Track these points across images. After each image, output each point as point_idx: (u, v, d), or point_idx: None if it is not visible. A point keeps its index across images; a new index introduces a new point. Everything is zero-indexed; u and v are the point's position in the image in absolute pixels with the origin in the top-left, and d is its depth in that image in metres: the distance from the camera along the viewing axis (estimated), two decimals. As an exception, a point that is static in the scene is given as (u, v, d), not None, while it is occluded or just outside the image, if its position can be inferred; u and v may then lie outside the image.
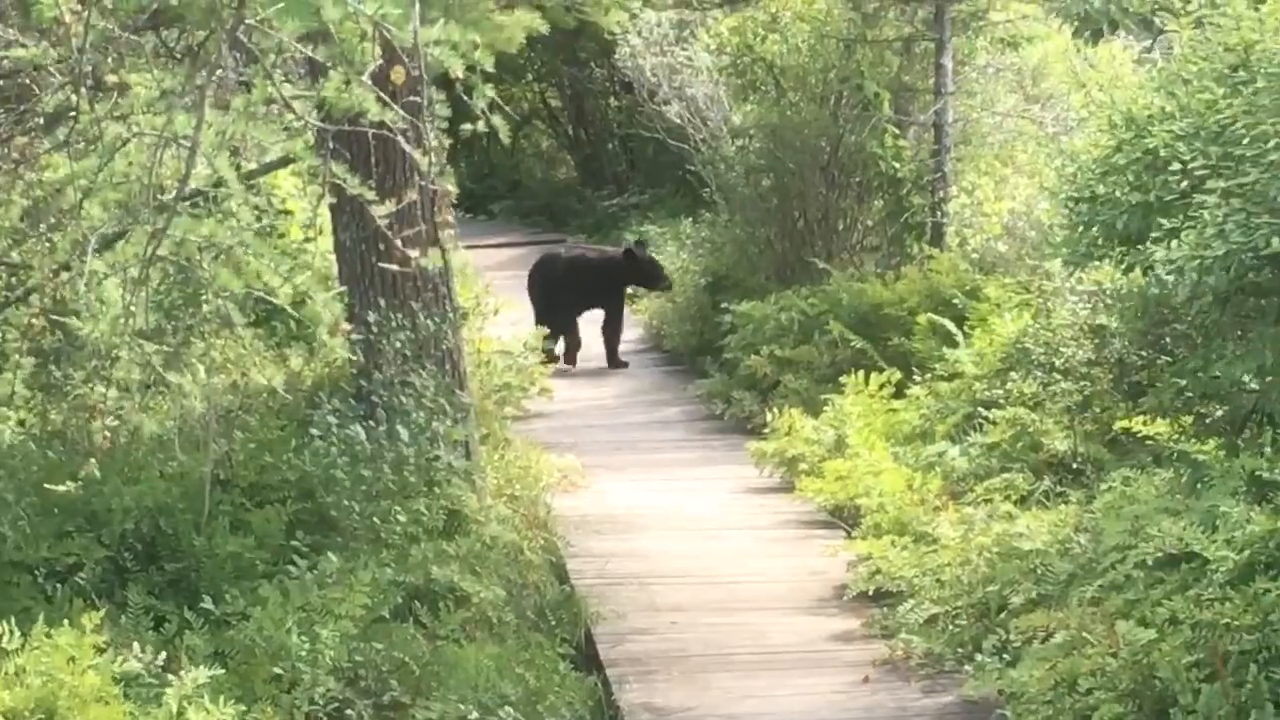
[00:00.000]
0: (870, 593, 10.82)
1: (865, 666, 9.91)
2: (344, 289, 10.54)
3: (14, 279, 8.94)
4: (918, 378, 13.80)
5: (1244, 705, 7.33)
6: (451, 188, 6.03)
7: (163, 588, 9.18)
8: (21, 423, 10.42)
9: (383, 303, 10.83)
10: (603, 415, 16.11)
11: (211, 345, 9.13)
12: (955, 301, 14.62)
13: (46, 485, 7.86)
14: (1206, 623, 7.82)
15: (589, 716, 9.36)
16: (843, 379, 14.06)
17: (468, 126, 5.89)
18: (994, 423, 12.16)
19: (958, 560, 10.41)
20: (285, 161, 9.22)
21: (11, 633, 7.04)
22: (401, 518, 9.95)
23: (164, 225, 5.20)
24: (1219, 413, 9.05)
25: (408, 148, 6.08)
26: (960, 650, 9.73)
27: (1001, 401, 12.37)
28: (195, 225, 5.50)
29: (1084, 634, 8.51)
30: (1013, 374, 12.55)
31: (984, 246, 15.24)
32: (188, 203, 5.79)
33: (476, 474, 11.05)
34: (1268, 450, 8.31)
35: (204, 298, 9.14)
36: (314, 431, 10.10)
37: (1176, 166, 7.25)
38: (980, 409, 12.49)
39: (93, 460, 6.55)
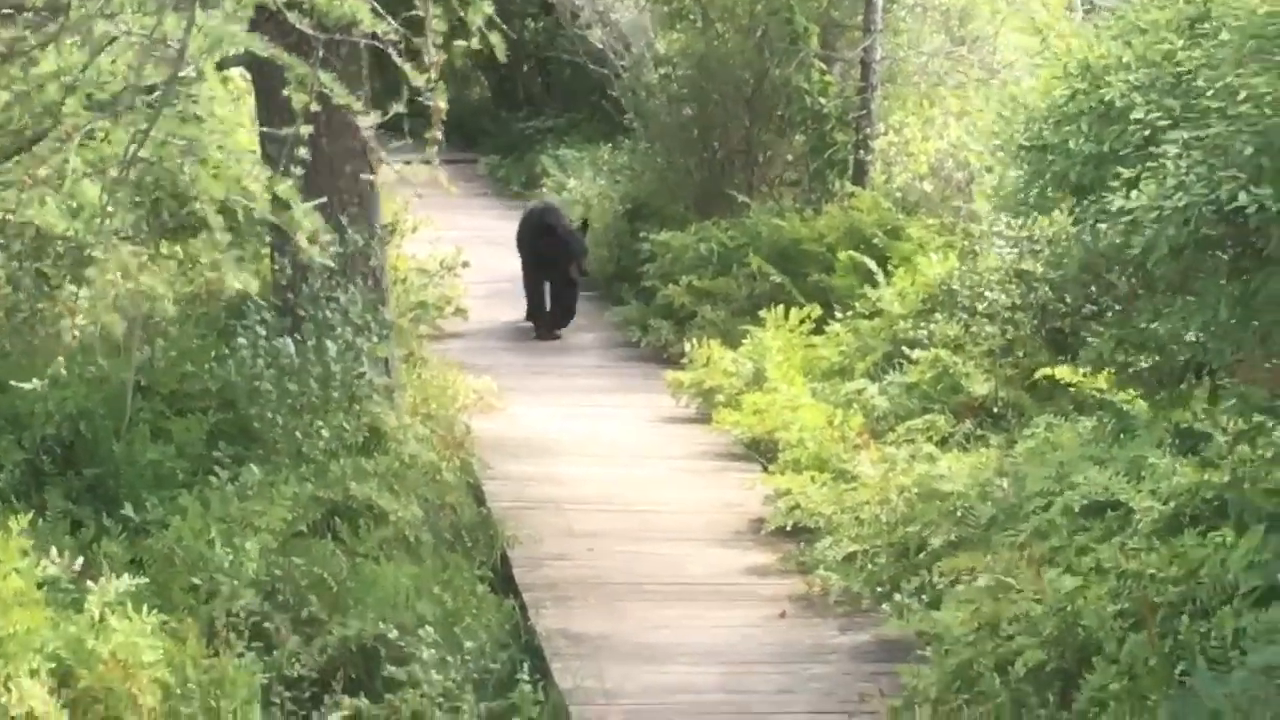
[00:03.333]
0: (788, 528, 10.81)
1: (781, 601, 9.91)
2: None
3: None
4: (838, 314, 13.79)
5: (1168, 656, 7.35)
6: (442, 104, 5.94)
7: (80, 493, 9.06)
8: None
9: (312, 215, 10.66)
10: (518, 338, 16.03)
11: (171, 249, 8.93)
12: (876, 241, 14.61)
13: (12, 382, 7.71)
14: (1132, 573, 7.85)
15: (506, 639, 9.31)
16: (761, 312, 14.03)
17: (461, 43, 5.81)
18: (915, 363, 12.16)
19: (877, 499, 10.40)
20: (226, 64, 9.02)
21: (-72, 534, 6.92)
22: (324, 433, 9.86)
23: (149, 126, 5.09)
24: (1145, 364, 9.05)
25: (399, 61, 5.97)
26: (879, 589, 9.73)
27: (924, 342, 12.37)
28: (179, 126, 5.39)
29: (1008, 579, 8.53)
30: (936, 315, 12.56)
31: (908, 186, 15.23)
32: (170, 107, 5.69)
33: (397, 391, 10.96)
34: (1201, 405, 8.35)
35: (160, 199, 8.96)
36: (241, 342, 9.97)
37: (1137, 116, 7.23)
38: (902, 348, 12.50)
39: (60, 360, 6.43)
